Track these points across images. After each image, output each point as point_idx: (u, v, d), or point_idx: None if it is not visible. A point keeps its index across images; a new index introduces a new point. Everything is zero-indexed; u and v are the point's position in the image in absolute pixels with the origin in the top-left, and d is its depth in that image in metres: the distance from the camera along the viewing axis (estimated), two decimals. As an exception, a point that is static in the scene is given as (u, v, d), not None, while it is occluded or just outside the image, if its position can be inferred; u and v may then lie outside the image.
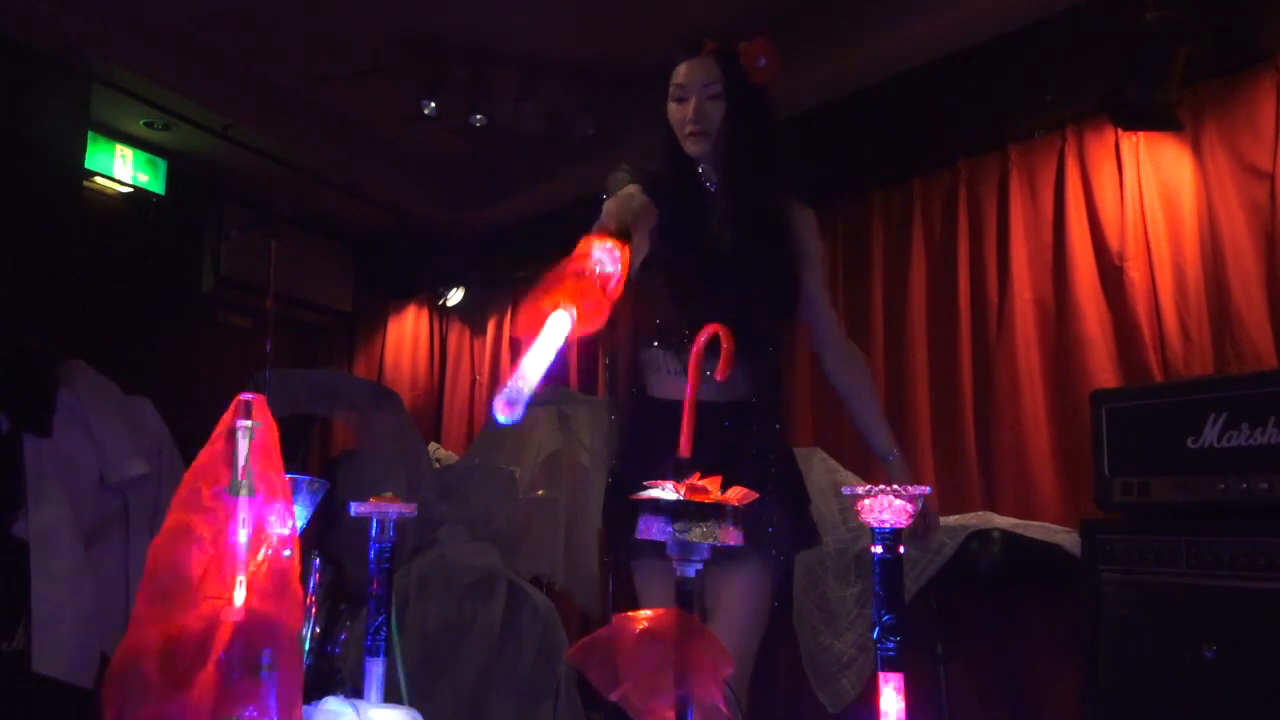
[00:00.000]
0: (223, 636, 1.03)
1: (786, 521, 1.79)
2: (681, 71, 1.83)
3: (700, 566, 1.08)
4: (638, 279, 1.85)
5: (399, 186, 4.84)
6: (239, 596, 1.06)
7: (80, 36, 3.52)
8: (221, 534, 1.07)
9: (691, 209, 1.86)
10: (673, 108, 1.85)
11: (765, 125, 1.86)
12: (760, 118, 1.84)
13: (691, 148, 1.84)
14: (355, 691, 1.58)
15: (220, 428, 1.12)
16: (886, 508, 1.02)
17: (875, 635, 1.01)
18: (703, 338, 1.21)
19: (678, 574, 1.09)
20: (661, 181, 1.86)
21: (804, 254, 1.92)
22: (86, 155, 3.87)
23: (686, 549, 1.06)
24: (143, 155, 4.29)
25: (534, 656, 2.89)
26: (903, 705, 0.99)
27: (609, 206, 1.75)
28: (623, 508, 1.85)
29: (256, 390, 1.15)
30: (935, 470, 3.26)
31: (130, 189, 4.26)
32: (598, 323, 1.14)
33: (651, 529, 1.05)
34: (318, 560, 3.06)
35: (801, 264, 1.92)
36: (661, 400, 1.88)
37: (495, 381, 5.20)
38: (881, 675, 1.00)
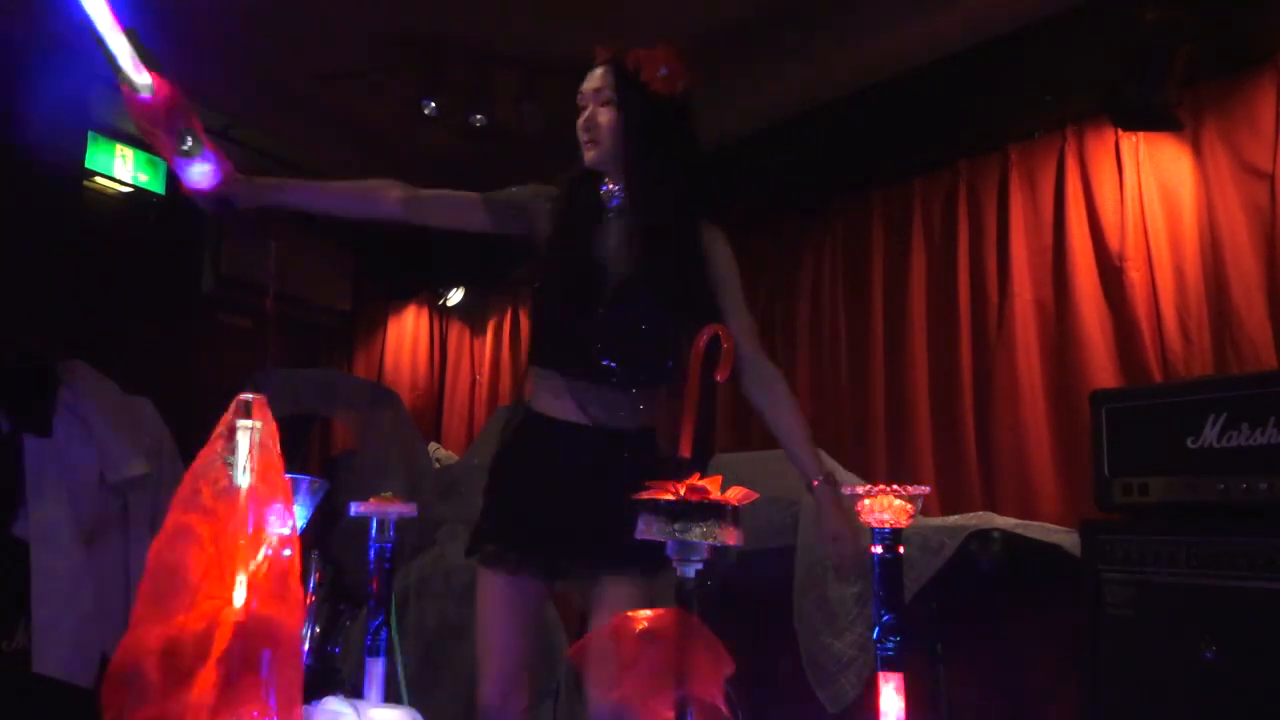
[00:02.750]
0: (223, 636, 1.03)
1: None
2: (584, 82, 1.83)
3: (700, 566, 1.08)
4: (532, 296, 1.87)
5: (399, 186, 4.83)
6: (239, 596, 1.06)
7: (80, 36, 3.51)
8: (221, 534, 1.07)
9: (585, 223, 1.82)
10: (578, 121, 1.84)
11: (667, 136, 1.79)
12: (659, 127, 1.78)
13: (587, 155, 1.82)
14: (355, 691, 1.58)
15: (220, 428, 1.12)
16: (886, 508, 1.02)
17: (875, 635, 1.01)
18: (703, 338, 1.20)
19: (678, 574, 1.09)
20: (566, 190, 1.86)
21: (718, 277, 1.83)
22: (86, 155, 3.87)
23: (686, 549, 1.06)
24: (143, 155, 4.29)
25: (534, 657, 2.88)
26: (903, 705, 0.99)
27: (504, 191, 1.85)
28: (495, 524, 1.82)
29: (256, 390, 1.15)
30: (935, 470, 3.26)
31: (130, 189, 4.26)
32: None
33: (651, 529, 1.05)
34: (317, 560, 3.05)
35: (715, 286, 1.83)
36: (546, 418, 1.82)
37: (496, 381, 5.20)
38: (881, 675, 1.00)
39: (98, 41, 1.52)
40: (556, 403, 1.80)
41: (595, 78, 1.82)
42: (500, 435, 1.90)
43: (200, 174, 1.74)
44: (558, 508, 1.74)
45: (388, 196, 1.88)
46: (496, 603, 1.78)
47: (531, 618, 1.83)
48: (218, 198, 1.77)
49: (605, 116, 1.79)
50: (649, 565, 1.67)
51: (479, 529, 1.85)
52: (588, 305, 1.75)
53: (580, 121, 1.81)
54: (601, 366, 1.74)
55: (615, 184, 1.82)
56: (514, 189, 1.90)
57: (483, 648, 1.79)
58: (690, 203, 1.82)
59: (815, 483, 1.79)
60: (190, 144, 1.72)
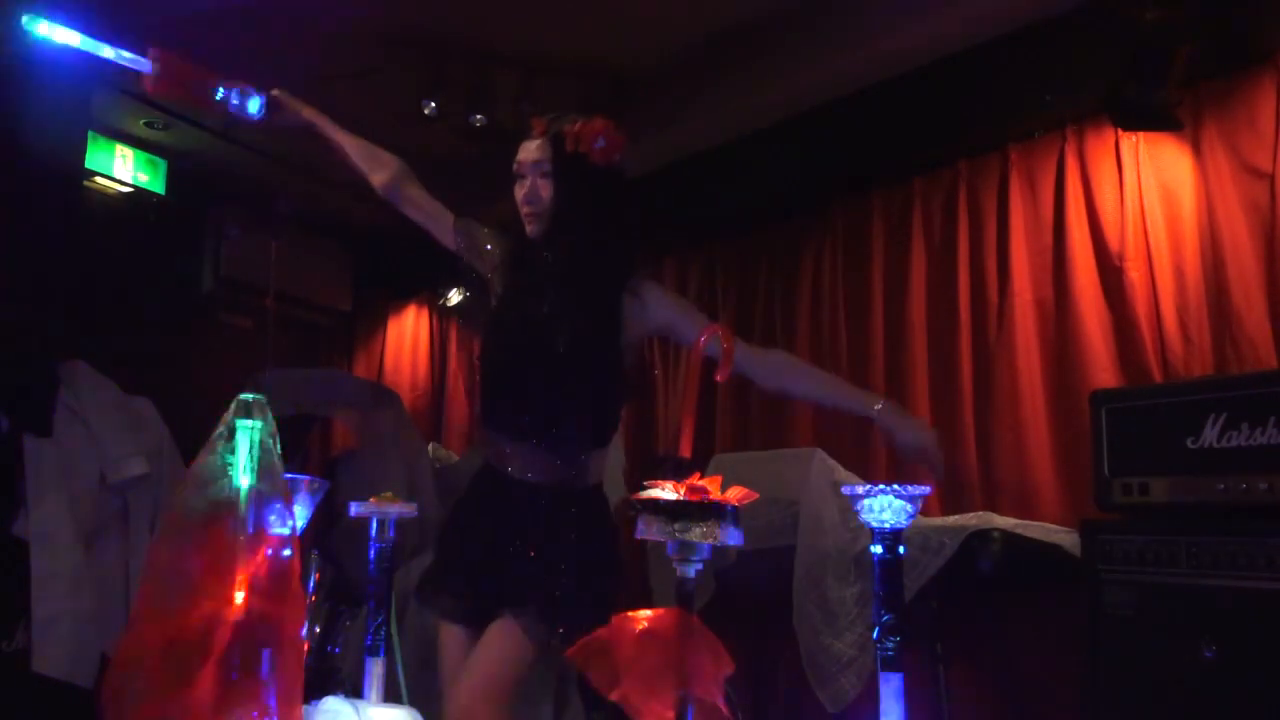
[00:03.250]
0: (223, 636, 1.03)
1: (572, 593, 1.73)
2: (521, 151, 1.85)
3: (700, 567, 1.08)
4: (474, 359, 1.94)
5: (399, 186, 4.84)
6: (239, 596, 1.06)
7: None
8: (221, 534, 1.07)
9: (527, 290, 1.87)
10: (515, 188, 1.87)
11: (600, 207, 1.83)
12: (592, 200, 1.82)
13: (529, 228, 1.85)
14: (355, 691, 1.58)
15: (220, 428, 1.12)
16: (886, 508, 1.02)
17: (875, 635, 1.01)
18: (704, 338, 1.21)
19: (677, 574, 1.09)
20: (504, 259, 1.93)
21: (666, 322, 1.89)
22: (86, 155, 3.87)
23: (686, 549, 1.06)
24: (143, 155, 4.29)
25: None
26: (903, 705, 0.99)
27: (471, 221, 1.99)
28: (440, 578, 1.87)
29: (256, 390, 1.16)
30: (935, 470, 3.26)
31: (130, 189, 4.26)
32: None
33: (651, 529, 1.06)
34: (317, 560, 3.06)
35: (667, 332, 1.94)
36: (498, 471, 1.87)
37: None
38: (881, 675, 1.00)
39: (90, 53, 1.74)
40: (501, 459, 1.85)
41: (533, 149, 1.84)
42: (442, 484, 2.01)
43: (254, 110, 2.04)
44: (483, 555, 1.80)
45: (380, 172, 2.07)
46: (446, 643, 1.83)
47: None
48: (273, 120, 2.05)
49: (546, 190, 1.82)
50: (545, 609, 1.71)
51: (433, 581, 1.90)
52: (523, 377, 1.82)
53: (522, 194, 1.84)
54: (538, 432, 1.80)
55: (551, 253, 1.86)
56: (483, 230, 2.00)
57: (442, 681, 1.83)
58: (619, 269, 1.88)
59: (878, 408, 1.82)
60: (223, 94, 1.97)
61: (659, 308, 1.89)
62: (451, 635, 1.81)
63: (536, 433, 1.79)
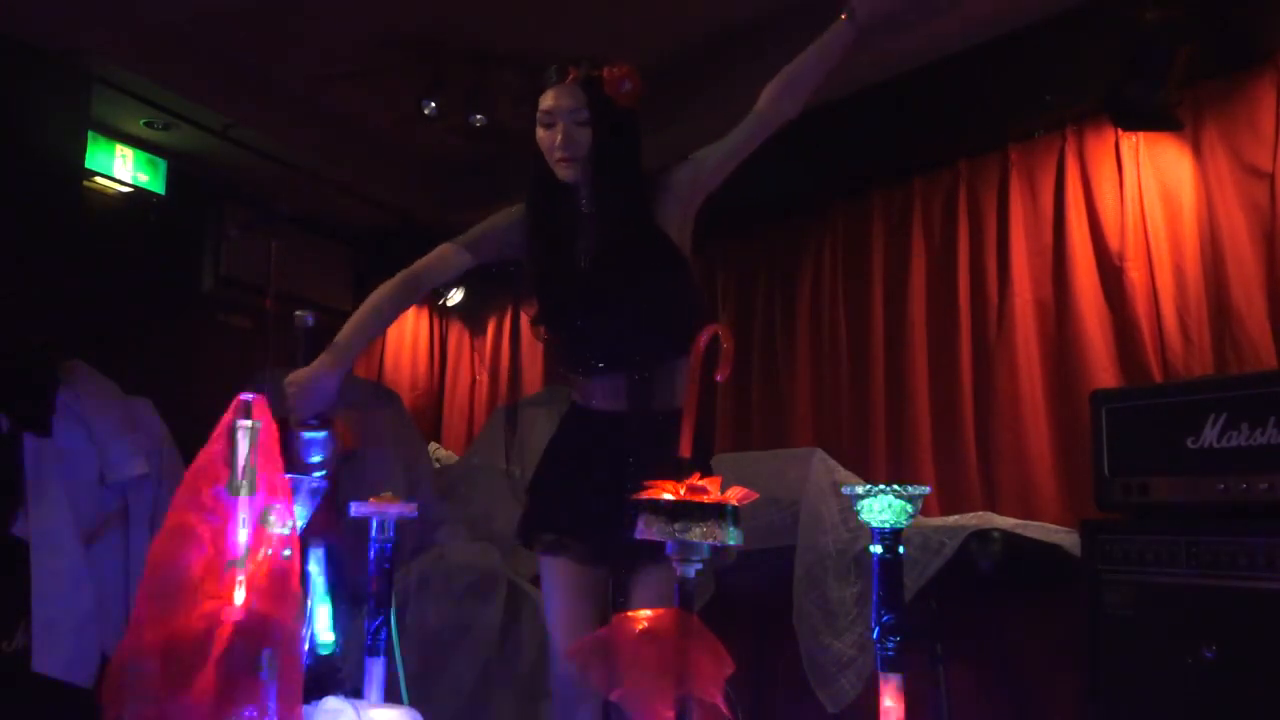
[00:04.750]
0: (223, 636, 1.03)
1: None
2: (549, 97, 1.86)
3: (700, 567, 1.08)
4: (533, 317, 1.98)
5: (399, 186, 4.84)
6: (239, 596, 1.06)
7: (80, 36, 3.52)
8: (221, 534, 1.07)
9: (563, 235, 1.93)
10: (541, 134, 1.89)
11: (633, 148, 1.92)
12: (628, 141, 1.90)
13: (562, 173, 1.89)
14: (355, 691, 1.58)
15: (220, 428, 1.12)
16: (886, 508, 1.02)
17: (875, 635, 1.01)
18: (704, 338, 1.21)
19: (678, 574, 1.09)
20: (535, 207, 1.96)
21: (704, 162, 1.96)
22: (86, 155, 3.87)
23: (686, 549, 1.06)
24: (143, 155, 4.29)
25: (534, 656, 2.89)
26: (902, 705, 0.99)
27: (479, 225, 1.97)
28: (531, 520, 1.94)
29: (257, 390, 1.16)
30: (935, 470, 3.26)
31: (130, 189, 4.25)
32: None
33: (651, 529, 1.06)
34: (317, 560, 3.04)
35: (713, 174, 1.97)
36: (583, 409, 1.97)
37: (495, 381, 5.20)
38: (881, 675, 1.00)
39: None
40: (593, 398, 1.93)
41: (569, 96, 1.86)
42: (555, 428, 2.04)
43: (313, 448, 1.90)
44: (604, 494, 1.82)
45: (391, 294, 2.01)
46: (561, 586, 1.90)
47: (596, 597, 1.92)
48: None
49: (583, 134, 1.85)
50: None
51: (533, 519, 1.95)
52: (582, 309, 1.89)
53: (556, 140, 1.86)
54: (612, 357, 1.88)
55: (583, 193, 1.92)
56: (483, 225, 2.02)
57: (553, 626, 1.92)
58: (646, 196, 1.94)
59: (843, 15, 1.96)
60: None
61: (684, 174, 1.96)
62: (562, 569, 1.88)
63: (633, 361, 1.86)
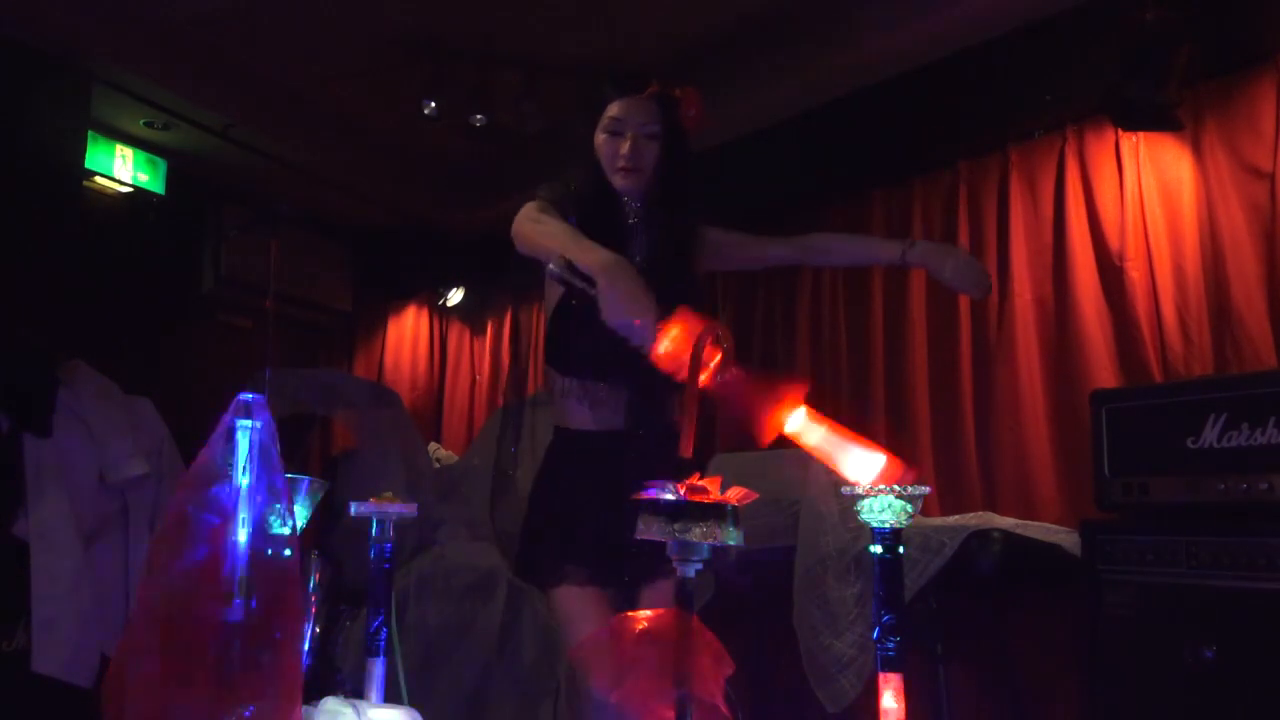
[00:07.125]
0: (223, 636, 1.03)
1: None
2: (620, 107, 1.85)
3: (700, 567, 1.08)
4: (553, 310, 1.94)
5: (399, 186, 4.84)
6: (239, 596, 1.06)
7: (80, 36, 3.52)
8: (221, 534, 1.07)
9: (608, 243, 1.86)
10: (603, 139, 1.87)
11: (695, 171, 1.95)
12: (690, 163, 1.93)
13: (621, 182, 1.88)
14: (355, 691, 1.58)
15: (220, 428, 1.12)
16: (886, 508, 1.02)
17: (875, 635, 1.01)
18: (704, 336, 1.20)
19: (678, 574, 1.09)
20: (585, 209, 1.90)
21: (730, 241, 2.06)
22: (86, 155, 3.87)
23: (686, 549, 1.06)
24: (143, 155, 4.29)
25: (534, 656, 2.89)
26: (902, 705, 0.99)
27: (560, 229, 1.77)
28: (545, 556, 1.88)
29: (256, 390, 1.15)
30: (935, 470, 3.26)
31: (130, 189, 4.26)
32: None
33: (651, 529, 1.05)
34: (317, 560, 3.05)
35: (732, 251, 2.09)
36: (575, 432, 1.92)
37: (496, 381, 5.20)
38: (881, 675, 1.00)
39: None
40: (589, 418, 1.89)
41: (643, 110, 1.85)
42: (543, 458, 2.00)
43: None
44: (611, 517, 1.77)
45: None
46: (592, 617, 1.81)
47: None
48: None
49: (651, 150, 1.86)
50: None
51: (549, 556, 1.88)
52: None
53: (621, 150, 1.85)
54: (649, 372, 1.80)
55: (635, 203, 1.93)
56: (548, 199, 1.90)
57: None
58: (697, 220, 2.03)
59: (907, 250, 2.02)
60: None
61: (721, 241, 2.06)
62: (592, 599, 1.82)
63: (652, 379, 1.78)
